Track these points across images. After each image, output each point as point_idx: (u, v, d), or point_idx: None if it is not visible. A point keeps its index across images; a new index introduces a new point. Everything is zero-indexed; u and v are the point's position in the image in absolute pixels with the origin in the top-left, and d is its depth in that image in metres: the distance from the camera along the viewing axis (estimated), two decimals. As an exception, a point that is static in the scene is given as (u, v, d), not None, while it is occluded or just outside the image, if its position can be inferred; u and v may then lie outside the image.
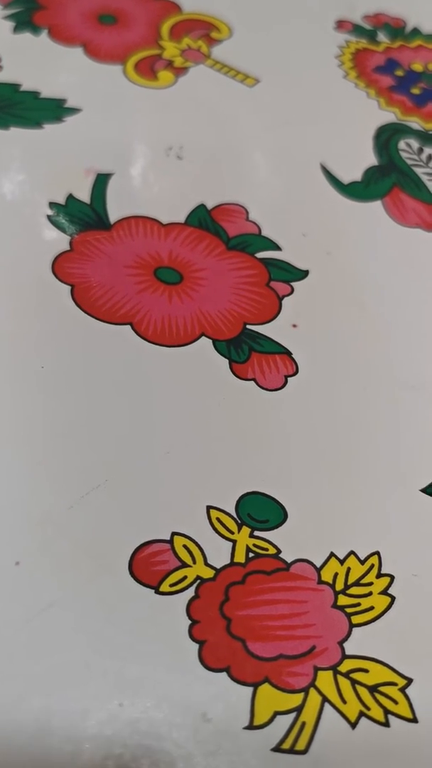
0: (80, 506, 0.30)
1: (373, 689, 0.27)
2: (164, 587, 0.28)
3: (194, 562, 0.29)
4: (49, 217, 0.38)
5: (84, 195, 0.39)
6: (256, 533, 0.30)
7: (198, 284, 0.36)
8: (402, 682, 0.27)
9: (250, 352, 0.35)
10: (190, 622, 0.28)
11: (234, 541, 0.29)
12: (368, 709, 0.27)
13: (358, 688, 0.27)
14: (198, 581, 0.28)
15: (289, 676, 0.27)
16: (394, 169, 0.43)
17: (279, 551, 0.29)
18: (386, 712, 0.27)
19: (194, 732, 0.26)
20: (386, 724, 0.27)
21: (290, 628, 0.28)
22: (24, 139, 0.41)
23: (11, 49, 0.45)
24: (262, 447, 0.32)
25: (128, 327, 0.34)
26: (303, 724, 0.26)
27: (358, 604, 0.29)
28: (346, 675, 0.27)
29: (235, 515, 0.30)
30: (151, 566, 0.28)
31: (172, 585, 0.28)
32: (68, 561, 0.28)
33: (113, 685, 0.26)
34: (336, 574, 0.29)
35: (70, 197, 0.39)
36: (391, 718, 0.27)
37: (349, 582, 0.29)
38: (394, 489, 0.32)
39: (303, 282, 0.38)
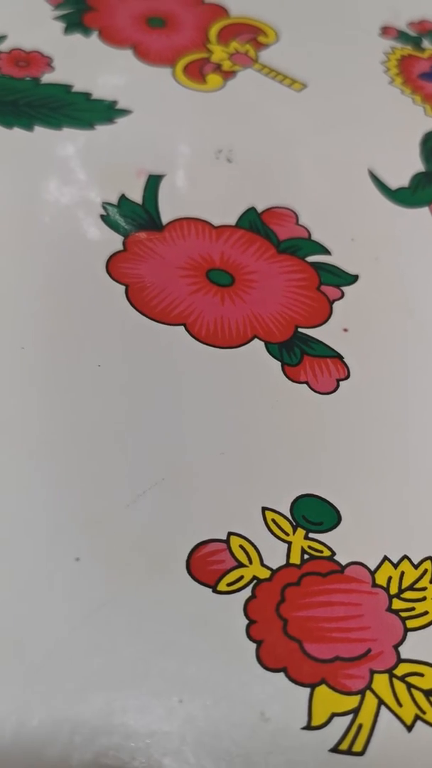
0: (137, 505, 0.30)
1: (428, 693, 0.27)
2: (221, 586, 0.28)
3: (250, 562, 0.29)
4: (102, 217, 0.38)
5: (136, 196, 0.39)
6: (311, 535, 0.30)
7: (249, 287, 0.37)
8: (457, 687, 0.27)
9: (302, 355, 0.35)
10: (247, 621, 0.28)
11: (289, 543, 0.30)
12: (423, 712, 0.27)
13: (414, 691, 0.27)
14: (255, 581, 0.29)
15: (345, 678, 0.27)
16: (441, 175, 0.43)
17: (333, 553, 0.30)
18: (442, 716, 0.27)
19: (253, 731, 0.26)
20: (442, 728, 0.27)
21: (346, 631, 0.28)
22: (77, 139, 0.41)
23: (63, 50, 0.45)
24: (315, 450, 0.32)
25: (182, 328, 0.35)
26: (360, 726, 0.26)
27: (413, 609, 0.29)
28: (402, 678, 0.27)
29: (290, 517, 0.30)
30: (208, 565, 0.29)
31: (229, 584, 0.28)
32: (126, 558, 0.29)
33: (172, 682, 0.26)
34: (390, 578, 0.29)
35: (123, 198, 0.39)
36: (446, 722, 0.27)
37: (403, 586, 0.29)
38: (445, 494, 0.32)
39: (353, 286, 0.38)
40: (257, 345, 0.35)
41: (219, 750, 0.25)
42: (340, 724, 0.26)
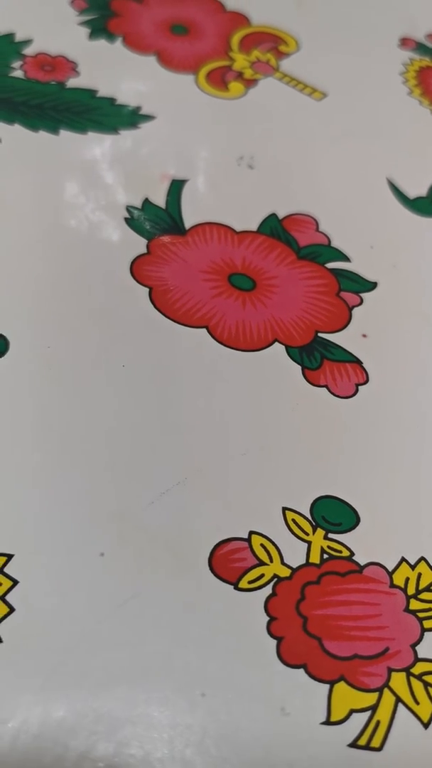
0: (160, 503, 0.30)
1: (444, 692, 0.28)
2: (243, 584, 0.29)
3: (271, 560, 0.30)
4: (126, 220, 0.39)
5: (160, 200, 0.40)
6: (330, 535, 0.31)
7: (270, 291, 0.37)
8: (473, 687, 0.28)
9: (321, 360, 0.35)
10: (268, 618, 0.28)
11: (309, 542, 0.30)
12: (440, 711, 0.27)
13: (431, 690, 0.28)
14: (275, 579, 0.29)
15: (364, 676, 0.28)
16: (459, 186, 0.44)
17: (352, 554, 0.30)
18: (458, 714, 0.27)
19: (273, 725, 0.26)
20: (458, 726, 0.27)
21: (364, 629, 0.29)
22: (101, 143, 0.42)
23: (87, 55, 0.46)
24: (335, 452, 0.33)
25: (204, 330, 0.35)
26: (378, 723, 0.27)
27: (430, 609, 0.29)
28: (419, 677, 0.28)
29: (309, 517, 0.31)
30: (230, 563, 0.29)
31: (250, 582, 0.29)
32: (150, 555, 0.29)
33: (195, 676, 0.27)
34: (407, 579, 0.30)
35: (147, 201, 0.40)
36: (462, 720, 0.27)
37: (420, 587, 0.30)
38: (462, 499, 0.33)
39: (372, 293, 0.38)
40: (278, 348, 0.36)
41: (240, 743, 0.26)
42: (359, 720, 0.27)
